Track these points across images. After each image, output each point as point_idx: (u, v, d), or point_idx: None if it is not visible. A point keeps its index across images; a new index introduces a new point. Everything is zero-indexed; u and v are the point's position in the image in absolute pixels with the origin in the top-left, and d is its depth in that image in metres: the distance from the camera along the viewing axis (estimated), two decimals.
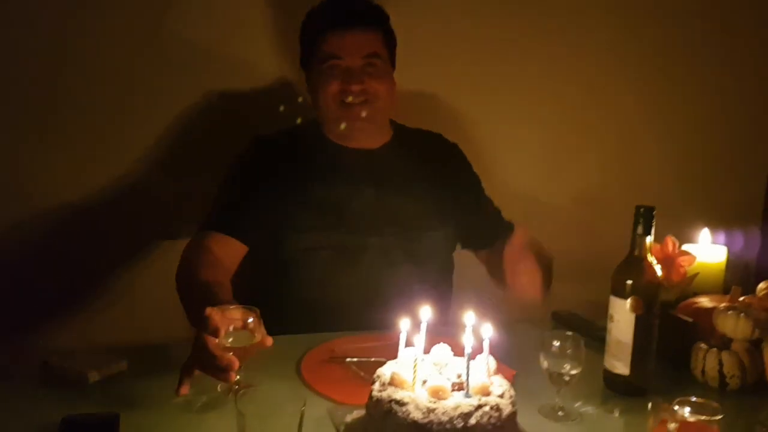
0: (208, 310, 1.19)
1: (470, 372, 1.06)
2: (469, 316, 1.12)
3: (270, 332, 1.24)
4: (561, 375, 1.26)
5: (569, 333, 1.28)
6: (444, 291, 1.81)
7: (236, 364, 1.15)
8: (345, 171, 1.73)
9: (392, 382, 1.07)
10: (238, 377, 1.19)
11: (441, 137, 1.87)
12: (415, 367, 1.07)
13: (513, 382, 1.33)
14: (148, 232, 1.99)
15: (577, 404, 1.32)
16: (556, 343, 1.26)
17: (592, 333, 1.51)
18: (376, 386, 1.09)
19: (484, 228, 1.80)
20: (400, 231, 1.70)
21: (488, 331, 1.11)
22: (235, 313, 1.22)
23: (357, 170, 1.72)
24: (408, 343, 1.13)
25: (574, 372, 1.26)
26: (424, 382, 1.10)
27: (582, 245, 2.14)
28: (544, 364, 1.27)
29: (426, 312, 1.17)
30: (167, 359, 1.31)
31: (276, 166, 1.71)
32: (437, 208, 1.74)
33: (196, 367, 1.19)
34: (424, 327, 1.15)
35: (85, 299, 1.97)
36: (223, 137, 1.96)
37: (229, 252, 1.60)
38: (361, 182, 1.72)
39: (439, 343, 1.17)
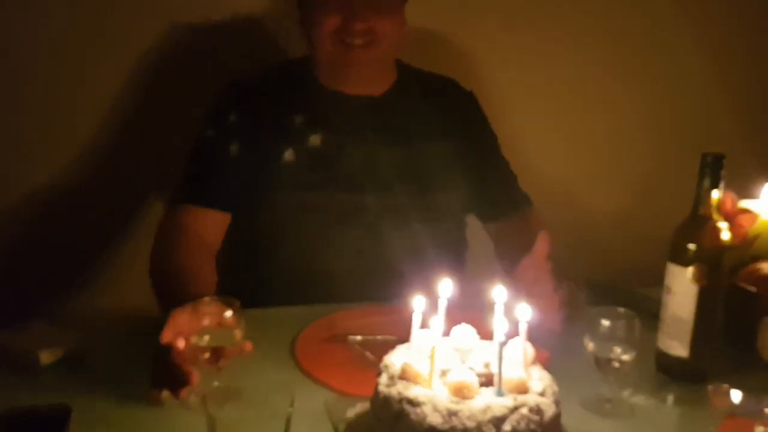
0: (174, 313, 1.00)
1: (502, 362, 0.83)
2: (499, 291, 0.89)
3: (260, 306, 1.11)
4: (610, 361, 1.03)
5: (621, 309, 1.05)
6: (454, 264, 1.56)
7: (193, 380, 0.97)
8: (340, 121, 1.46)
9: (404, 375, 0.85)
10: (216, 383, 1.01)
11: (454, 83, 1.60)
12: (432, 355, 0.84)
13: (547, 367, 1.11)
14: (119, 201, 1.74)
15: (626, 393, 1.10)
16: (605, 323, 1.03)
17: (640, 306, 1.27)
18: (383, 380, 0.87)
19: (497, 195, 1.56)
20: (403, 191, 1.46)
21: (525, 311, 0.88)
22: (210, 307, 1.01)
23: (354, 120, 1.47)
24: (423, 325, 0.90)
25: (626, 357, 1.03)
26: (444, 374, 0.88)
27: (629, 203, 1.88)
28: (589, 346, 1.04)
29: (445, 286, 0.94)
30: (141, 336, 1.06)
31: (257, 114, 1.43)
32: (447, 166, 1.50)
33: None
34: (443, 304, 0.92)
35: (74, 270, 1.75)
36: (193, 83, 1.68)
37: (209, 226, 1.37)
38: (358, 134, 1.44)
39: (459, 324, 0.94)
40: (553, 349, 1.16)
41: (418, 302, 0.90)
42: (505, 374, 0.83)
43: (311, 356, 1.15)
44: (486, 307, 0.91)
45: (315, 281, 1.41)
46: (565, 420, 0.92)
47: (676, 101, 2.04)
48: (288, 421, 0.80)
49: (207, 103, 1.48)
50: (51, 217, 1.70)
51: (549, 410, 0.83)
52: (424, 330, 0.91)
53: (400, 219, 1.45)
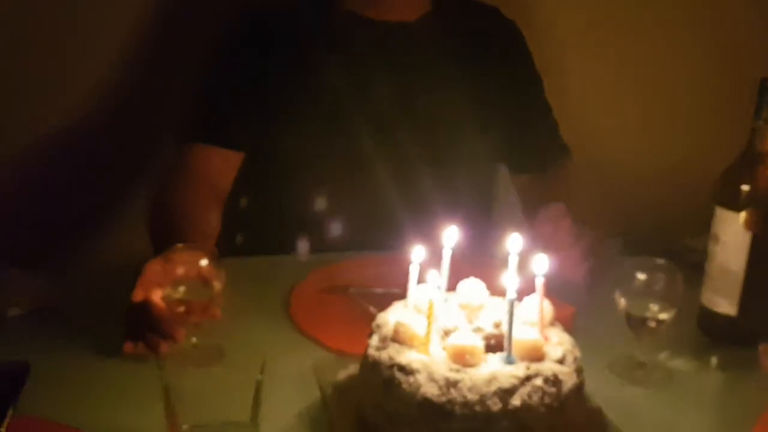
0: (147, 266, 0.89)
1: (514, 322, 0.69)
2: (514, 240, 0.75)
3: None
4: (645, 320, 0.89)
5: (660, 260, 0.90)
6: (480, 218, 1.41)
7: (178, 336, 0.88)
8: (367, 50, 1.29)
9: (396, 337, 0.72)
10: (194, 339, 0.90)
11: (497, 12, 1.41)
12: (430, 311, 0.70)
13: (571, 325, 0.98)
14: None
15: (662, 356, 0.96)
16: (641, 276, 0.88)
17: (682, 258, 1.12)
18: (374, 341, 0.74)
19: (534, 143, 1.39)
20: (432, 131, 1.30)
21: (543, 263, 0.73)
22: (186, 255, 0.90)
23: (383, 49, 1.30)
24: (421, 279, 0.76)
25: (664, 316, 0.89)
26: (446, 334, 0.75)
27: (674, 152, 1.69)
28: (621, 303, 0.90)
29: (451, 233, 0.80)
30: (119, 290, 0.93)
31: (272, 44, 1.28)
32: (483, 105, 1.32)
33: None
34: (447, 254, 0.79)
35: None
36: (205, 15, 1.53)
37: (218, 166, 1.25)
38: (387, 65, 1.29)
39: (468, 277, 0.81)
40: (577, 306, 1.02)
41: (417, 252, 0.76)
42: (517, 337, 0.70)
43: (307, 310, 1.03)
44: (501, 261, 0.78)
45: (327, 229, 1.28)
46: (590, 388, 0.77)
47: (723, 32, 1.83)
48: (257, 390, 0.68)
49: (219, 35, 1.33)
50: (46, 161, 1.59)
51: (569, 380, 0.69)
52: (425, 284, 0.78)
53: (427, 162, 1.30)
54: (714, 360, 0.97)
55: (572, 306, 1.03)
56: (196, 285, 0.90)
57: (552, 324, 0.77)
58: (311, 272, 1.14)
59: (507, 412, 0.65)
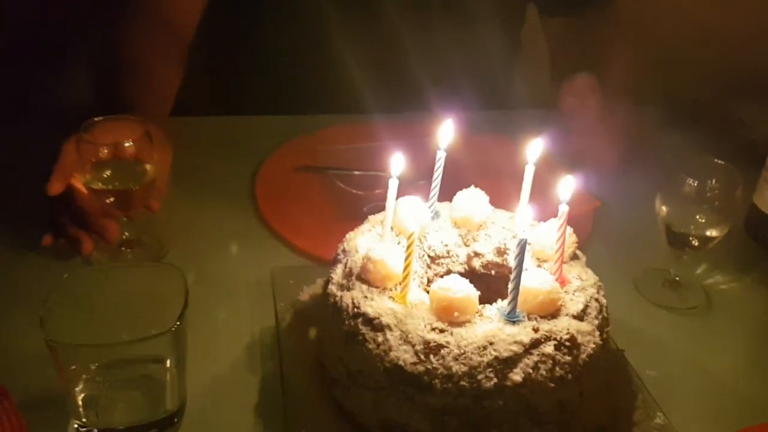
0: (65, 147, 0.71)
1: (524, 259, 0.51)
2: (536, 146, 0.55)
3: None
4: (689, 237, 0.71)
5: (718, 161, 0.70)
6: (496, 78, 1.16)
7: (109, 234, 0.72)
8: None
9: (365, 275, 0.54)
10: (126, 234, 0.75)
11: None
12: (410, 245, 0.52)
13: (591, 219, 0.81)
14: None
15: (699, 271, 0.79)
16: (691, 181, 0.69)
17: (729, 133, 0.93)
18: (337, 273, 0.57)
19: None
20: None
21: (570, 181, 0.54)
22: (107, 132, 0.70)
23: None
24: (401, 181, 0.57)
25: (714, 233, 0.70)
26: (432, 262, 0.57)
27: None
28: (662, 211, 0.71)
29: (447, 124, 0.60)
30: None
31: None
32: None
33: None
34: (443, 145, 0.59)
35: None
36: None
37: (180, 4, 0.98)
38: None
39: (469, 187, 0.62)
40: (602, 199, 0.84)
41: (395, 162, 0.56)
42: (526, 283, 0.52)
43: (275, 195, 0.85)
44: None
45: (310, 87, 1.06)
46: (612, 310, 0.60)
47: None
48: (185, 304, 0.52)
49: None
50: None
51: (589, 343, 0.52)
52: (409, 199, 0.59)
53: (431, 14, 1.04)
54: (764, 278, 0.80)
55: (595, 198, 0.85)
56: (127, 169, 0.71)
57: (572, 256, 0.59)
58: (287, 143, 0.95)
59: (504, 389, 0.49)
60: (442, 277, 0.58)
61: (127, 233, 0.74)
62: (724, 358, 0.70)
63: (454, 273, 0.59)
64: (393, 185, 0.55)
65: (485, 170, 0.84)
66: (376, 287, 0.53)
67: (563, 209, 0.53)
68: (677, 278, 0.76)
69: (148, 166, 0.71)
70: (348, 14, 1.03)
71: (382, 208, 0.58)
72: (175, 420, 0.57)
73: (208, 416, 0.58)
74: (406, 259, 0.52)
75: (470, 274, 0.59)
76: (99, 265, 0.72)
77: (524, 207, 0.55)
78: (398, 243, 0.57)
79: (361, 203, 0.81)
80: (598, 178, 0.80)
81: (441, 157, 0.59)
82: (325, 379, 0.57)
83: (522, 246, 0.50)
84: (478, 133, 0.89)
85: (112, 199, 0.71)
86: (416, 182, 0.73)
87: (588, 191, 0.83)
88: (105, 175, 0.70)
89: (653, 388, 0.62)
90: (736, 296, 0.78)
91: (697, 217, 0.70)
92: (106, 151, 0.69)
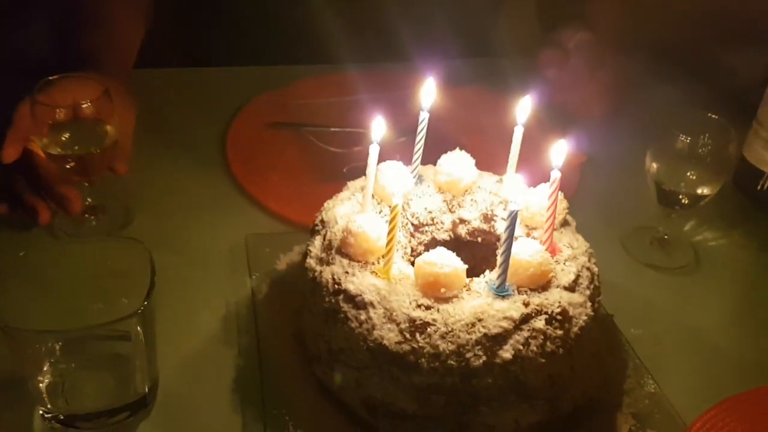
0: (19, 110, 0.66)
1: (515, 228, 0.48)
2: (524, 105, 0.51)
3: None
4: (679, 195, 0.68)
5: (712, 116, 0.67)
6: (482, 23, 1.10)
7: (72, 206, 0.67)
8: None
9: (345, 249, 0.51)
10: (89, 200, 0.70)
11: None
12: (394, 216, 0.48)
13: (579, 174, 0.78)
14: None
15: (687, 228, 0.77)
16: (683, 137, 0.66)
17: (715, 80, 0.90)
18: (315, 248, 0.53)
19: None
20: None
21: (562, 150, 0.51)
22: (63, 92, 0.65)
23: None
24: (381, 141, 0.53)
25: (705, 191, 0.68)
26: (416, 230, 0.54)
27: None
28: (652, 168, 0.69)
29: (429, 82, 0.56)
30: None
31: None
32: None
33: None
34: (425, 106, 0.55)
35: None
36: None
37: None
38: None
39: (455, 150, 0.58)
40: (588, 153, 0.82)
41: (376, 126, 0.52)
42: (516, 255, 0.49)
43: (247, 152, 0.81)
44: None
45: (281, 36, 1.00)
46: (600, 272, 0.57)
47: None
48: (147, 296, 0.48)
49: None
50: None
51: (581, 315, 0.50)
52: (391, 164, 0.55)
53: None
54: (753, 232, 0.78)
55: (582, 153, 0.82)
56: (87, 131, 0.66)
57: (563, 223, 0.56)
58: (262, 95, 0.90)
59: (493, 367, 0.47)
60: (426, 246, 0.56)
61: (89, 199, 0.70)
62: (713, 317, 0.69)
63: (439, 241, 0.56)
64: (374, 151, 0.52)
65: (468, 126, 0.80)
66: (358, 261, 0.50)
67: (555, 175, 0.50)
68: (665, 236, 0.74)
69: (109, 128, 0.67)
70: None
71: (362, 170, 0.54)
72: (147, 401, 0.54)
73: (182, 396, 0.55)
74: (389, 233, 0.49)
75: (455, 242, 0.56)
76: (60, 237, 0.68)
77: (513, 173, 0.52)
78: (380, 212, 0.54)
79: (340, 162, 0.77)
80: (584, 131, 0.77)
81: (424, 118, 0.55)
82: (304, 354, 0.55)
83: (513, 218, 0.46)
84: (460, 85, 0.85)
85: (72, 165, 0.66)
86: (397, 139, 0.70)
87: (574, 145, 0.80)
88: (63, 139, 0.66)
89: (643, 351, 0.60)
90: (725, 252, 0.76)
91: (689, 174, 0.68)
92: (63, 112, 0.64)
